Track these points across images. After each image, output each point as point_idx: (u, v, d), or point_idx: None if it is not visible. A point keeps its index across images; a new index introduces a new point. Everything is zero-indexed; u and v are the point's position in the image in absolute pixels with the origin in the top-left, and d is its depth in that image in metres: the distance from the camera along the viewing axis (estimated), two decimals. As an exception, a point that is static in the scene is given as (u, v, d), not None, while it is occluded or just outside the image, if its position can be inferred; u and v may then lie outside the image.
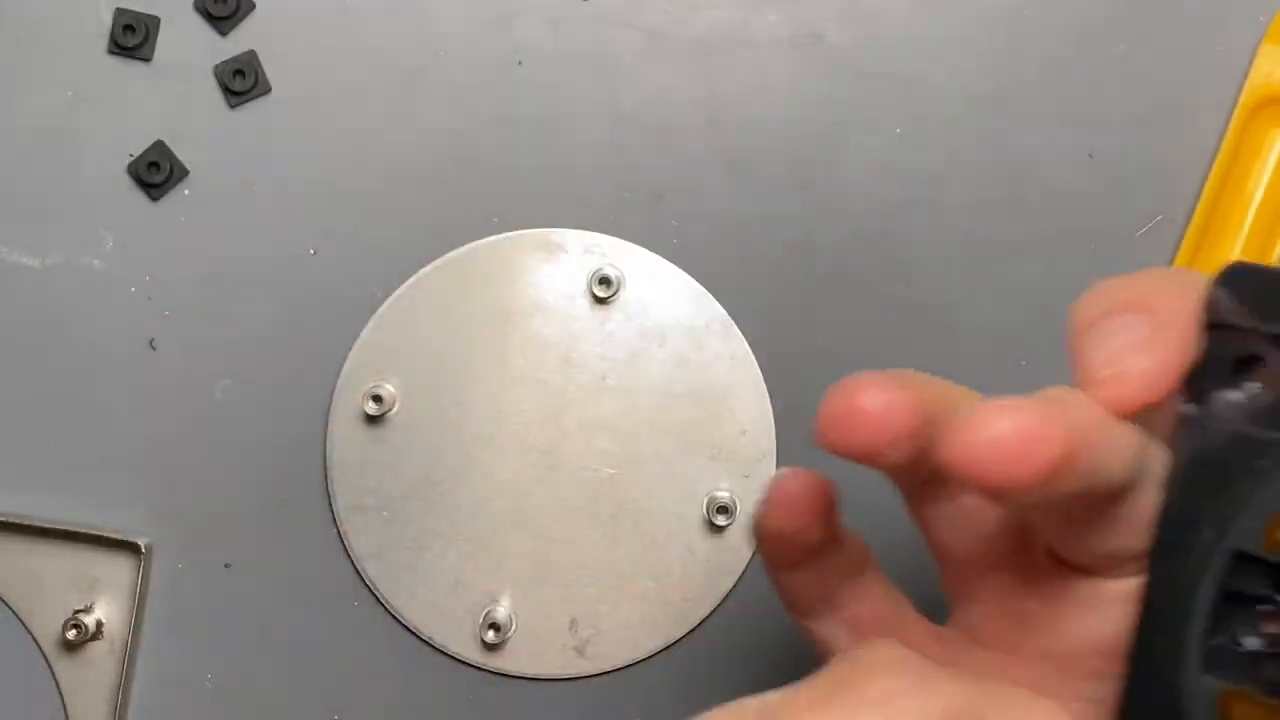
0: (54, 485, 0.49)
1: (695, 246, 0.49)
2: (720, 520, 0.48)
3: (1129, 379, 0.28)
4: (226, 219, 0.49)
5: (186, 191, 0.49)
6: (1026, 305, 0.48)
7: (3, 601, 0.49)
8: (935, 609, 0.35)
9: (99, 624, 0.49)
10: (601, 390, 0.48)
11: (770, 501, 0.32)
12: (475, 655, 0.48)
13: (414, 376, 0.48)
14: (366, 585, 0.49)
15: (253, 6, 0.49)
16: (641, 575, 0.48)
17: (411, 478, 0.48)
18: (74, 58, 0.49)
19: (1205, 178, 0.48)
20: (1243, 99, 0.47)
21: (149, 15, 0.48)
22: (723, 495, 0.48)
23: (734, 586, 0.48)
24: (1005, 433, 0.24)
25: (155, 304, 0.49)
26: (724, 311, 0.48)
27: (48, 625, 0.49)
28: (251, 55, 0.49)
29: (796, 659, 0.33)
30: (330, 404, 0.48)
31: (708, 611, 0.49)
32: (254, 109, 0.49)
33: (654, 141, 0.49)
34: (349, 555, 0.49)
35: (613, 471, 0.49)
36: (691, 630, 0.49)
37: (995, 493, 0.25)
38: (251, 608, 0.49)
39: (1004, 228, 0.49)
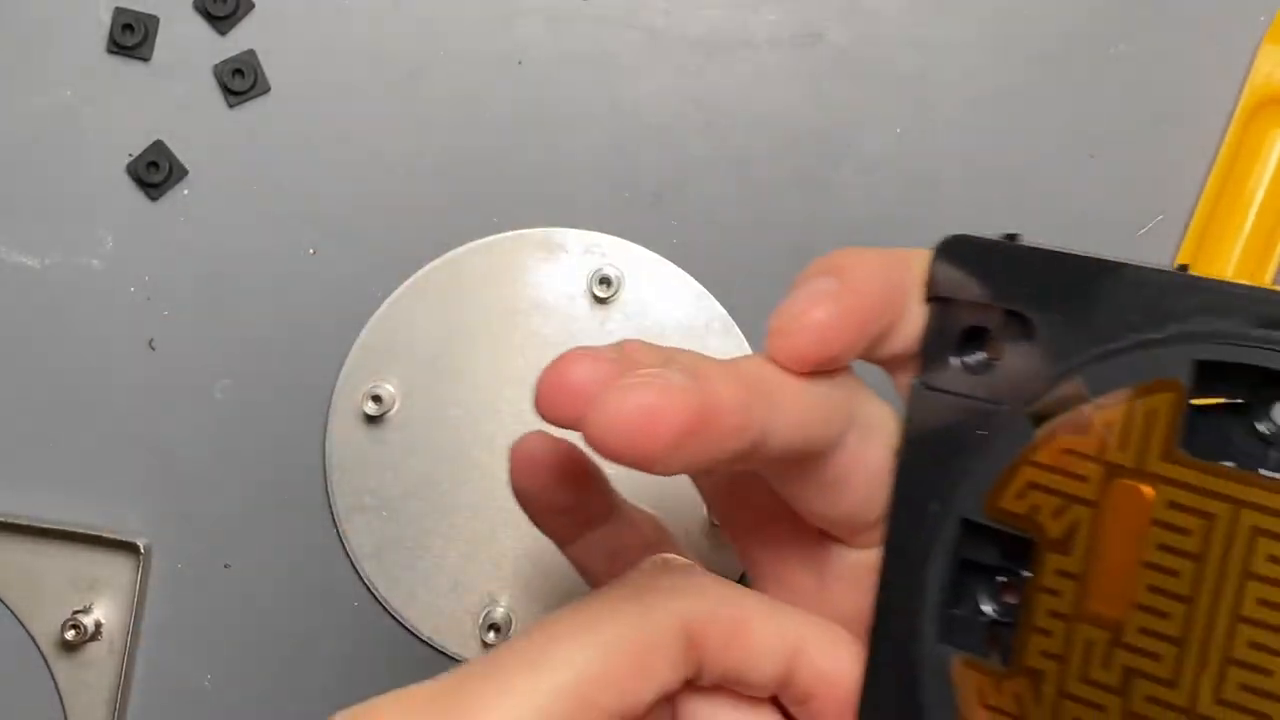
0: (53, 485, 0.49)
1: (695, 246, 0.49)
2: (720, 520, 0.48)
3: (798, 331, 0.29)
4: (226, 219, 0.49)
5: (186, 191, 0.49)
6: (1026, 305, 0.48)
7: (1, 602, 0.49)
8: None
9: (98, 624, 0.49)
10: (601, 390, 0.48)
11: (510, 461, 0.33)
12: (475, 655, 0.48)
13: (414, 376, 0.48)
14: (366, 585, 0.49)
15: (252, 6, 0.49)
16: (641, 575, 0.48)
17: (411, 478, 0.48)
18: (73, 57, 0.49)
19: (1205, 178, 0.48)
20: (1243, 99, 0.47)
21: (148, 15, 0.48)
22: (723, 495, 0.48)
23: (734, 586, 0.48)
24: (626, 411, 0.26)
25: (155, 304, 0.49)
26: (724, 311, 0.48)
27: (47, 625, 0.49)
28: (251, 55, 0.49)
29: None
30: (330, 404, 0.48)
31: (708, 611, 0.48)
32: (253, 109, 0.49)
33: (654, 141, 0.49)
34: (349, 555, 0.48)
35: (613, 471, 0.48)
36: (691, 630, 0.49)
37: (633, 465, 0.26)
38: (251, 608, 0.49)
39: (1004, 227, 0.49)
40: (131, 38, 0.48)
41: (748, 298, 0.48)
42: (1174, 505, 0.28)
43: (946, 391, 0.31)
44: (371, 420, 0.48)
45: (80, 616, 0.48)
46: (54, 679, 0.49)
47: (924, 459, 0.31)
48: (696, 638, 0.31)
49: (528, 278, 0.48)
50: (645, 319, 0.48)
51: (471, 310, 0.48)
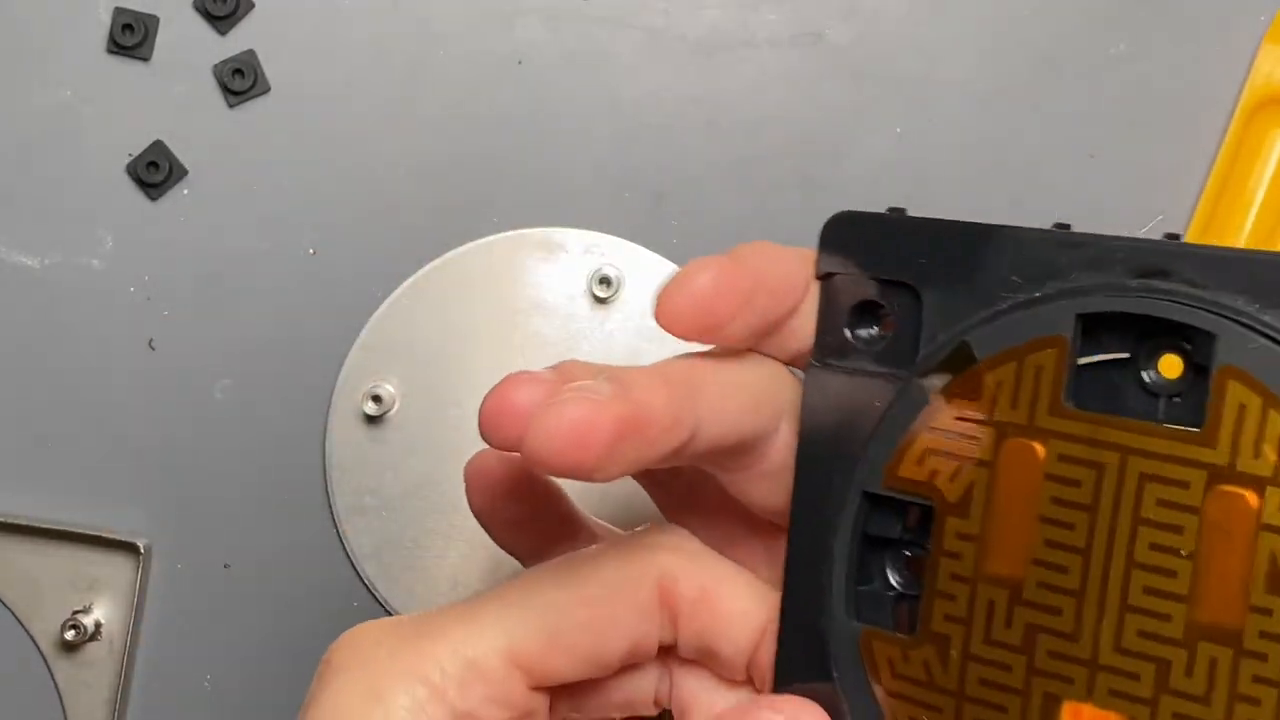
0: (53, 485, 0.49)
1: (695, 246, 0.48)
2: (720, 520, 0.48)
3: (680, 294, 0.30)
4: (226, 219, 0.49)
5: (186, 191, 0.49)
6: (1026, 305, 0.48)
7: (1, 602, 0.49)
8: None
9: (98, 624, 0.49)
10: (601, 390, 0.48)
11: (465, 479, 0.35)
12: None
13: (414, 376, 0.48)
14: (366, 585, 0.49)
15: (252, 6, 0.49)
16: (641, 575, 0.48)
17: (411, 478, 0.48)
18: (73, 57, 0.49)
19: (1205, 178, 0.48)
20: (1243, 99, 0.47)
21: (148, 14, 0.48)
22: (723, 495, 0.48)
23: (734, 586, 0.48)
24: (559, 426, 0.27)
25: (155, 304, 0.49)
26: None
27: (46, 626, 0.49)
28: (251, 55, 0.49)
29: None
30: (330, 404, 0.48)
31: (708, 611, 0.48)
32: (253, 108, 0.49)
33: (654, 141, 0.49)
34: (349, 555, 0.48)
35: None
36: (691, 630, 0.49)
37: (572, 476, 0.27)
38: (251, 608, 0.49)
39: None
40: (131, 38, 0.48)
41: (748, 298, 0.48)
42: (1064, 458, 0.28)
43: (842, 367, 0.31)
44: (371, 420, 0.48)
45: (80, 616, 0.48)
46: (54, 679, 0.49)
47: (824, 436, 0.31)
48: (667, 593, 0.32)
49: (528, 278, 0.48)
50: (645, 319, 0.48)
51: (471, 310, 0.48)
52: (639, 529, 0.34)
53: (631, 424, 0.27)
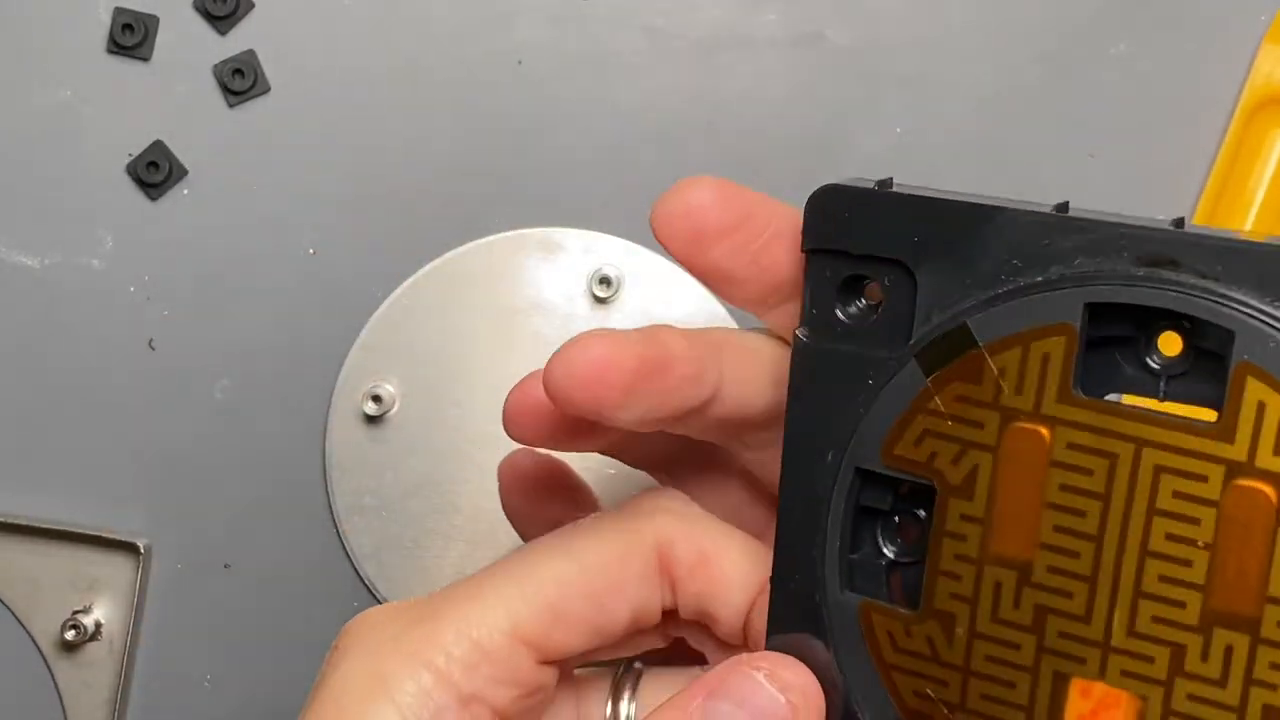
0: (53, 485, 0.49)
1: (695, 246, 0.48)
2: (720, 520, 0.48)
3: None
4: (226, 219, 0.49)
5: (185, 191, 0.49)
6: (1026, 305, 0.48)
7: (1, 602, 0.49)
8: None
9: (98, 624, 0.49)
10: (601, 390, 0.48)
11: (500, 478, 0.35)
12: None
13: (414, 376, 0.48)
14: (366, 585, 0.49)
15: (252, 6, 0.49)
16: (641, 575, 0.48)
17: (411, 478, 0.48)
18: (73, 57, 0.49)
19: (1205, 178, 0.48)
20: (1243, 99, 0.47)
21: (148, 14, 0.48)
22: (723, 495, 0.48)
23: (734, 586, 0.48)
24: (583, 361, 0.28)
25: (155, 304, 0.49)
26: (724, 311, 0.48)
27: (46, 626, 0.49)
28: (250, 55, 0.49)
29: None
30: (330, 404, 0.48)
31: (708, 611, 0.49)
32: (253, 108, 0.49)
33: (654, 141, 0.49)
34: (349, 555, 0.48)
35: (613, 471, 0.48)
36: (691, 630, 0.49)
37: (594, 414, 0.28)
38: (251, 608, 0.49)
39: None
40: (131, 38, 0.48)
41: (748, 298, 0.48)
42: (1074, 446, 0.29)
43: (830, 342, 0.31)
44: (371, 420, 0.48)
45: (80, 616, 0.48)
46: (54, 679, 0.49)
47: (813, 411, 0.31)
48: (666, 557, 0.32)
49: (527, 278, 0.48)
50: (645, 319, 0.48)
51: (471, 310, 0.48)
52: (635, 495, 0.35)
53: (654, 364, 0.28)
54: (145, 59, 0.49)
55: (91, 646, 0.49)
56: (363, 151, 0.49)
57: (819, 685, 0.31)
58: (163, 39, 0.49)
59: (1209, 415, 0.28)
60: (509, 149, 0.49)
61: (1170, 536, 0.28)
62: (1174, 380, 0.29)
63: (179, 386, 0.49)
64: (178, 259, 0.49)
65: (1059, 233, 0.29)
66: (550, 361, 0.28)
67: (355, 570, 0.48)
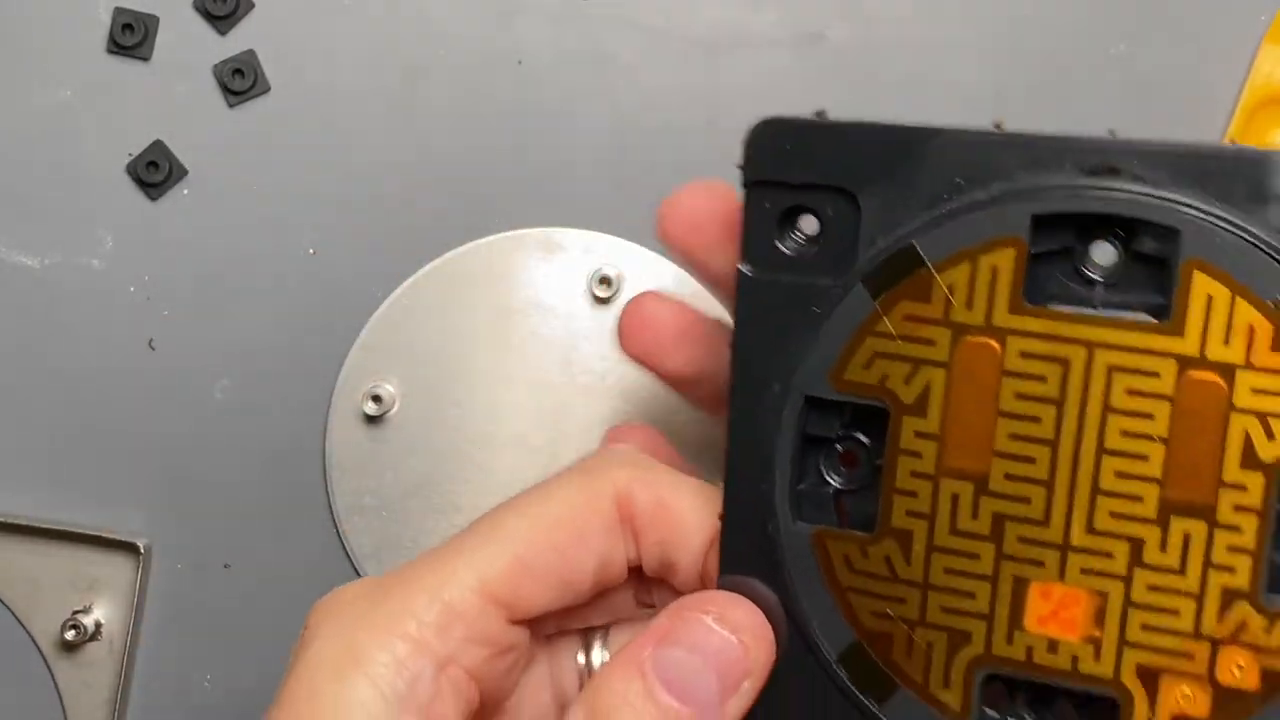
0: (54, 485, 0.49)
1: (695, 246, 0.48)
2: (720, 520, 0.48)
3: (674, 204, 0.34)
4: (226, 219, 0.49)
5: (185, 191, 0.49)
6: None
7: (1, 602, 0.49)
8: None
9: (98, 624, 0.49)
10: (601, 390, 0.48)
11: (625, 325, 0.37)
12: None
13: (414, 376, 0.48)
14: (366, 585, 0.49)
15: (252, 6, 0.49)
16: (641, 575, 0.48)
17: (411, 478, 0.48)
18: (73, 57, 0.49)
19: (1205, 178, 0.48)
20: (1243, 99, 0.47)
21: (148, 14, 0.48)
22: (723, 495, 0.48)
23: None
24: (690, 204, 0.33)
25: (155, 304, 0.49)
26: (724, 311, 0.48)
27: (47, 626, 0.49)
28: (250, 55, 0.49)
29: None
30: (330, 404, 0.48)
31: (708, 611, 0.48)
32: (253, 108, 0.49)
33: (654, 141, 0.49)
34: (349, 555, 0.48)
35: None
36: (691, 630, 0.49)
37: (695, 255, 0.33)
38: (251, 608, 0.49)
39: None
40: (131, 38, 0.48)
41: (748, 298, 0.48)
42: (1026, 355, 0.29)
43: (773, 274, 0.31)
44: (371, 420, 0.48)
45: (80, 616, 0.48)
46: (54, 679, 0.49)
47: (759, 344, 0.31)
48: (626, 508, 0.33)
49: (528, 278, 0.48)
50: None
51: (471, 310, 0.48)
52: (593, 453, 0.35)
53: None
54: (145, 59, 0.49)
55: (91, 646, 0.49)
56: (363, 151, 0.49)
57: (768, 622, 0.32)
58: (163, 39, 0.49)
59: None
60: (509, 149, 0.49)
61: (1126, 433, 0.29)
62: (1109, 289, 0.30)
63: (179, 386, 0.49)
64: (178, 259, 0.49)
65: (1000, 150, 0.29)
66: (662, 211, 0.33)
67: (355, 570, 0.48)
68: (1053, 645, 0.30)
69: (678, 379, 0.36)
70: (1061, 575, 0.30)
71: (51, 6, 0.49)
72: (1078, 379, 0.29)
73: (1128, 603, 0.30)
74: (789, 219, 0.31)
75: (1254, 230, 0.28)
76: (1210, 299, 0.28)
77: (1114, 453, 0.29)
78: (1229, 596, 0.29)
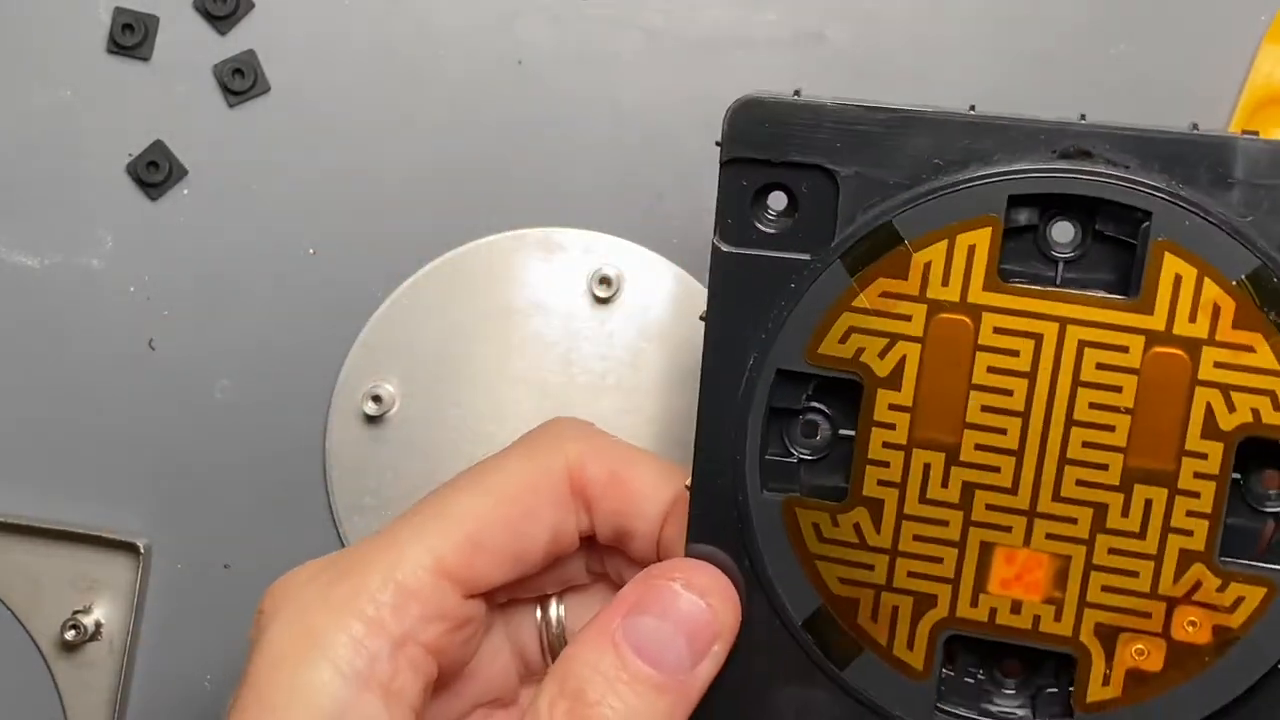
0: (53, 485, 0.49)
1: (695, 246, 0.48)
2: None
3: None
4: (226, 219, 0.49)
5: (186, 191, 0.49)
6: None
7: (2, 602, 0.49)
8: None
9: (98, 624, 0.49)
10: (601, 390, 0.48)
11: None
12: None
13: (414, 376, 0.48)
14: (366, 585, 0.48)
15: (252, 6, 0.49)
16: (641, 575, 0.48)
17: (411, 478, 0.48)
18: (73, 57, 0.49)
19: (1205, 178, 0.48)
20: (1243, 99, 0.47)
21: (148, 14, 0.48)
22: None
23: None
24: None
25: (154, 304, 0.49)
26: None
27: (47, 626, 0.49)
28: (250, 54, 0.49)
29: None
30: (330, 404, 0.48)
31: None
32: (253, 108, 0.49)
33: (654, 141, 0.49)
34: (349, 555, 0.48)
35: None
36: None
37: None
38: (251, 608, 0.49)
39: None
40: (131, 38, 0.48)
41: (748, 298, 0.48)
42: (1000, 330, 0.31)
43: (748, 250, 0.32)
44: (371, 420, 0.48)
45: (80, 616, 0.48)
46: (54, 679, 0.49)
47: (733, 317, 0.32)
48: (578, 480, 0.34)
49: (528, 278, 0.48)
50: (645, 319, 0.48)
51: (471, 310, 0.48)
52: (540, 426, 0.36)
53: None
54: (145, 59, 0.49)
55: (91, 646, 0.49)
56: (363, 151, 0.49)
57: (733, 586, 0.32)
58: (163, 39, 0.49)
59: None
60: (509, 149, 0.49)
61: (1094, 405, 0.31)
62: (1070, 266, 0.31)
63: (179, 386, 0.49)
64: (178, 259, 0.49)
65: (977, 133, 0.31)
66: None
67: (355, 570, 0.48)
68: (1015, 606, 0.32)
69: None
70: (1027, 540, 0.31)
71: (51, 6, 0.49)
72: (1049, 353, 0.31)
73: (1089, 565, 0.31)
74: (765, 195, 0.32)
75: (1218, 212, 0.30)
76: (1178, 278, 0.30)
77: (1082, 424, 0.31)
78: (1186, 558, 0.31)
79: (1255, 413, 0.30)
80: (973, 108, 0.31)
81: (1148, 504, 0.31)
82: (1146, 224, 0.30)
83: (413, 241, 0.48)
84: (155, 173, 0.48)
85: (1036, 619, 0.32)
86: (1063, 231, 0.31)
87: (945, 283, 0.31)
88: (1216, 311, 0.30)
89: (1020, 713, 0.32)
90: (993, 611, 0.32)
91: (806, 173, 0.32)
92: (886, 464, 0.32)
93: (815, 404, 0.33)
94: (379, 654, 0.31)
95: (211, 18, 0.48)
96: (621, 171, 0.49)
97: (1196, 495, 0.30)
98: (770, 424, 0.33)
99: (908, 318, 0.31)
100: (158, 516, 0.49)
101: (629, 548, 0.35)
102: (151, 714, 0.49)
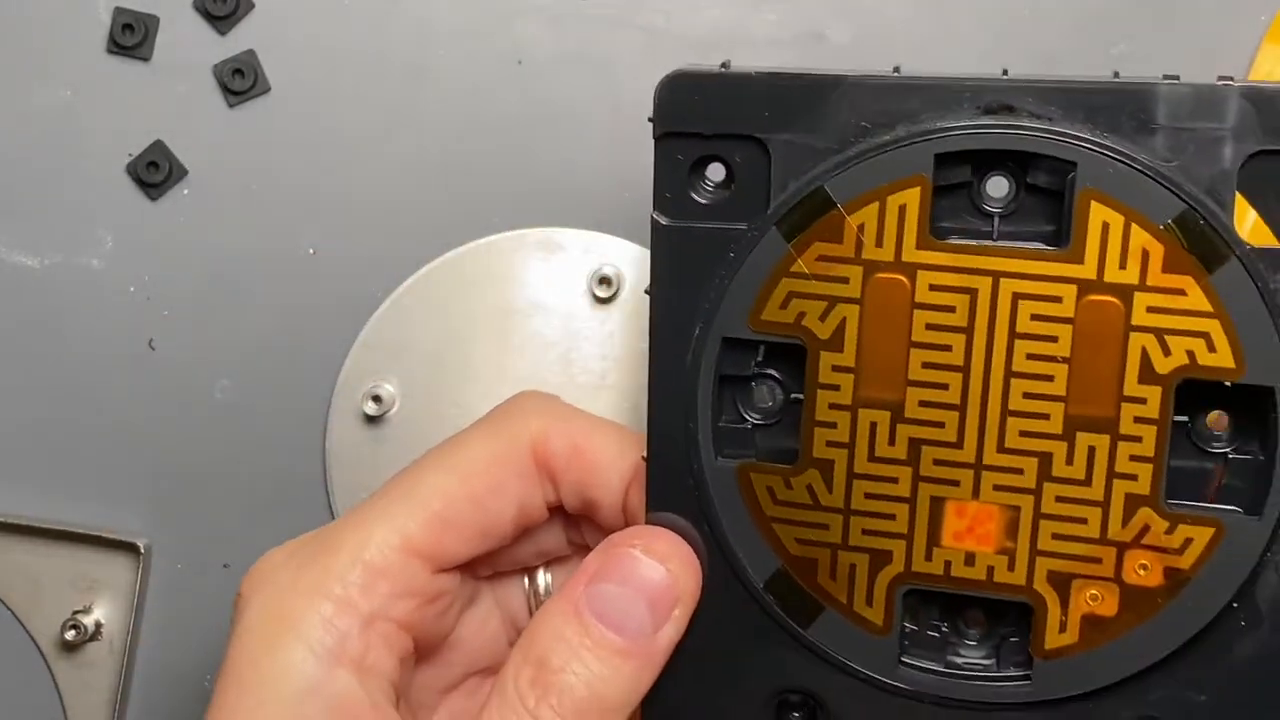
0: (53, 485, 0.49)
1: (695, 246, 0.48)
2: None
3: None
4: (226, 219, 0.49)
5: (185, 191, 0.49)
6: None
7: (2, 602, 0.49)
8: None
9: (98, 624, 0.49)
10: (601, 390, 0.48)
11: None
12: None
13: (414, 376, 0.48)
14: (366, 585, 0.48)
15: (252, 6, 0.49)
16: (641, 575, 0.48)
17: (411, 478, 0.48)
18: (73, 57, 0.49)
19: (1205, 178, 0.48)
20: (1243, 99, 0.47)
21: (148, 14, 0.48)
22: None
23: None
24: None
25: (154, 304, 0.49)
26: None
27: (47, 626, 0.49)
28: (250, 54, 0.49)
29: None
30: (330, 404, 0.48)
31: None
32: (253, 108, 0.49)
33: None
34: (349, 555, 0.48)
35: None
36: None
37: None
38: (251, 608, 0.49)
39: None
40: (131, 38, 0.48)
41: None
42: (936, 287, 0.31)
43: (686, 222, 0.33)
44: (371, 420, 0.48)
45: (80, 616, 0.48)
46: (54, 679, 0.49)
47: (676, 289, 0.33)
48: (541, 453, 0.34)
49: (528, 278, 0.48)
50: (645, 319, 0.48)
51: (471, 310, 0.48)
52: (503, 402, 0.37)
53: None
54: (145, 59, 0.49)
55: (91, 646, 0.49)
56: (363, 151, 0.49)
57: (692, 550, 0.33)
58: (163, 39, 0.49)
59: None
60: (509, 149, 0.49)
61: (1031, 356, 0.31)
62: (1005, 220, 0.31)
63: (179, 386, 0.49)
64: (178, 259, 0.49)
65: (902, 94, 0.31)
66: None
67: (355, 570, 0.48)
68: (969, 559, 0.32)
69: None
70: (976, 493, 0.32)
71: (51, 6, 0.49)
72: (985, 307, 0.31)
73: (1038, 515, 0.31)
74: (701, 168, 0.33)
75: (1143, 158, 0.30)
76: (1106, 225, 0.30)
77: (1021, 375, 0.31)
78: (1132, 503, 0.31)
79: (1190, 355, 0.30)
80: (897, 69, 0.32)
81: (1091, 451, 0.31)
82: (1072, 174, 0.30)
83: (412, 241, 0.48)
84: (155, 173, 0.48)
85: (991, 570, 0.32)
86: (997, 186, 0.31)
87: (880, 243, 0.31)
88: (1146, 257, 0.30)
89: (984, 663, 0.33)
90: (947, 565, 0.32)
91: (739, 143, 0.32)
92: (834, 425, 0.32)
93: (767, 370, 0.33)
94: (349, 632, 0.32)
95: (211, 18, 0.48)
96: (621, 171, 0.49)
97: (1139, 440, 0.31)
98: (723, 391, 0.33)
99: (845, 280, 0.32)
100: (158, 516, 0.49)
101: (596, 517, 0.36)
102: (151, 714, 0.49)
